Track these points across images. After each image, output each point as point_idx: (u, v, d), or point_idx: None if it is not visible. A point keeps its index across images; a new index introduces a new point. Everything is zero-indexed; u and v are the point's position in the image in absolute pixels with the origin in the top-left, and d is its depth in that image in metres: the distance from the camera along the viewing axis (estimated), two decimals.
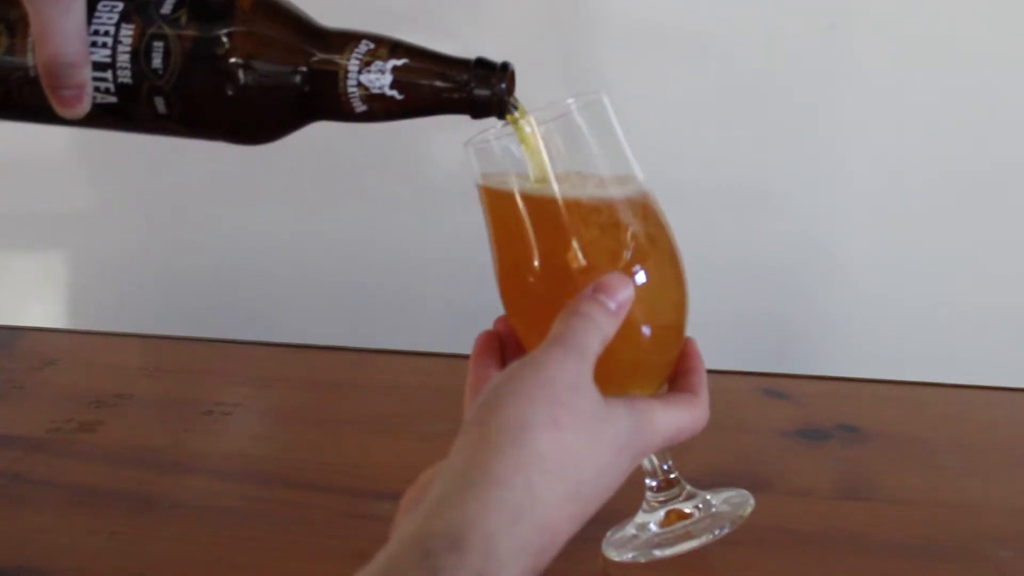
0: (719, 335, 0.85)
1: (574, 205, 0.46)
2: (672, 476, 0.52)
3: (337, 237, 0.97)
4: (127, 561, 0.50)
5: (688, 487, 0.52)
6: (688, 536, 0.49)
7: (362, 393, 0.73)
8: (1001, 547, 0.53)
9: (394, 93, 0.44)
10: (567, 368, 0.39)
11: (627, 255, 0.46)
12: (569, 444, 0.37)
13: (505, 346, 0.49)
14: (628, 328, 0.45)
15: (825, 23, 0.81)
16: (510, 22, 0.82)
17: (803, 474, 0.61)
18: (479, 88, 0.44)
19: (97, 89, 0.43)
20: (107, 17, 0.43)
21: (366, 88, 0.44)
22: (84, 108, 0.43)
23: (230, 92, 0.43)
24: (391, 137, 0.92)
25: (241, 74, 0.43)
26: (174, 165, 0.90)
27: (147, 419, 0.68)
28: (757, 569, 0.51)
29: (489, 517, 0.33)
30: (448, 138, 0.93)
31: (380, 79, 0.44)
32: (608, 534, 0.53)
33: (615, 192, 0.47)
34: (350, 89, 0.44)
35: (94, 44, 0.42)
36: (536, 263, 0.47)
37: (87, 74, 0.43)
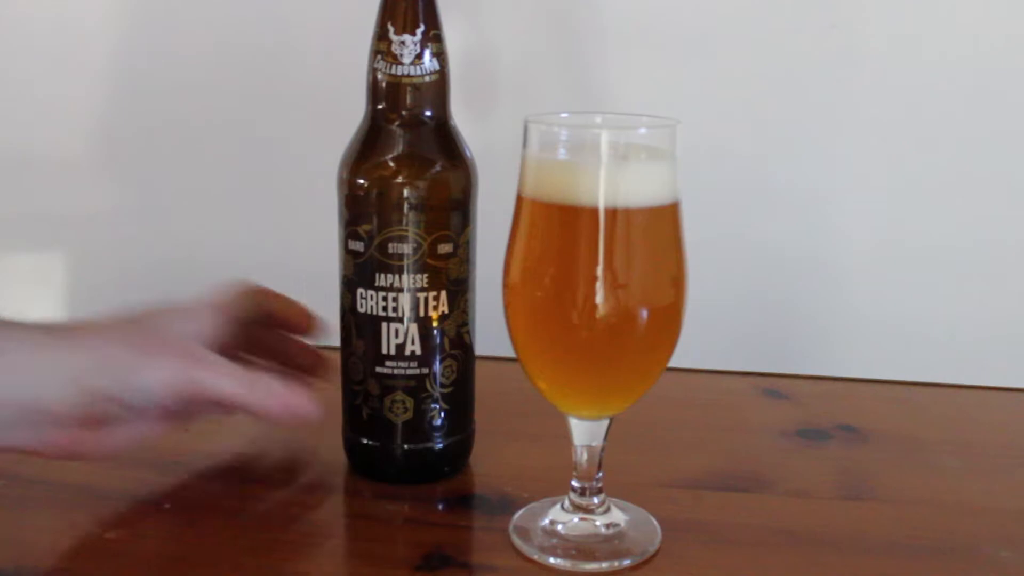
0: (719, 335, 0.85)
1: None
2: (599, 486, 0.53)
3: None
4: (127, 561, 0.50)
5: (608, 501, 0.53)
6: (593, 557, 0.50)
7: None
8: (1001, 547, 0.53)
9: None
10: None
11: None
12: None
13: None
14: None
15: (825, 23, 0.81)
16: (510, 22, 0.82)
17: (803, 474, 0.61)
18: None
19: None
20: None
21: None
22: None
23: None
24: None
25: None
26: (176, 166, 0.90)
27: None
28: (757, 569, 0.51)
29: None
30: None
31: None
32: (522, 512, 0.54)
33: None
34: None
35: None
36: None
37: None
